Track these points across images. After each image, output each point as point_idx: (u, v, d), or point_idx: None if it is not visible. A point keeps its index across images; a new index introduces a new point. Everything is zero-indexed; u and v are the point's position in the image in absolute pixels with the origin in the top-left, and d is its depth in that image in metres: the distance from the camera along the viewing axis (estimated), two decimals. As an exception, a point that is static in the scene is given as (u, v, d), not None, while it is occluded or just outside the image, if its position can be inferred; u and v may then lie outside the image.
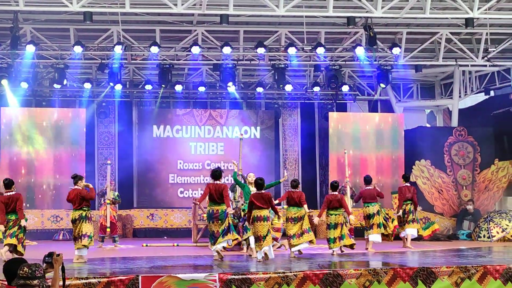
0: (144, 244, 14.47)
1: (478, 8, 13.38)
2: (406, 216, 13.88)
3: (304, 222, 11.48)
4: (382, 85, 16.69)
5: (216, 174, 11.18)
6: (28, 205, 16.45)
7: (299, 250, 11.65)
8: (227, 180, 16.91)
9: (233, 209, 12.24)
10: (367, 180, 13.61)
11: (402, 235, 14.03)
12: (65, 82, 16.17)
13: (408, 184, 14.23)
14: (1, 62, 15.63)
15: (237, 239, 11.34)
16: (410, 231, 13.82)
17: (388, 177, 18.38)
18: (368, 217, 13.20)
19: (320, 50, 15.31)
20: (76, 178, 11.06)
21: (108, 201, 14.11)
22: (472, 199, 17.69)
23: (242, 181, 12.85)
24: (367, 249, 12.84)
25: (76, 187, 10.96)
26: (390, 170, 18.41)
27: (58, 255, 5.44)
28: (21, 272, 4.92)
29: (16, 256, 10.14)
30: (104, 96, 18.19)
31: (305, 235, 11.43)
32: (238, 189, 13.21)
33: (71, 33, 15.70)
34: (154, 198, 18.77)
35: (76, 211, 10.77)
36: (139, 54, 16.20)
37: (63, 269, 5.44)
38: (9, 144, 17.30)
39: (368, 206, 13.21)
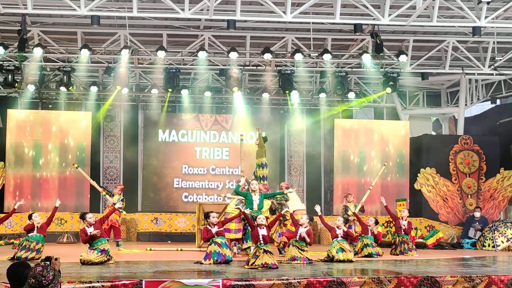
0: (148, 248, 14.42)
1: (486, 17, 13.36)
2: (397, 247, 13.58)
3: None
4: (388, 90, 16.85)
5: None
6: (33, 207, 16.49)
7: None
8: (232, 186, 16.89)
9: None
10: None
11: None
12: (71, 87, 16.30)
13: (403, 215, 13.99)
14: (9, 64, 15.71)
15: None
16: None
17: (393, 185, 18.35)
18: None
19: (327, 57, 15.35)
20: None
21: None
22: (479, 206, 17.60)
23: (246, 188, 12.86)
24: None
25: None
26: (395, 178, 18.37)
27: (56, 259, 5.44)
28: (29, 282, 4.95)
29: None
30: (110, 99, 18.22)
31: None
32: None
33: (79, 37, 15.77)
34: (158, 202, 18.77)
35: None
36: (145, 58, 16.26)
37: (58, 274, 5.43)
38: (15, 146, 17.36)
39: None
